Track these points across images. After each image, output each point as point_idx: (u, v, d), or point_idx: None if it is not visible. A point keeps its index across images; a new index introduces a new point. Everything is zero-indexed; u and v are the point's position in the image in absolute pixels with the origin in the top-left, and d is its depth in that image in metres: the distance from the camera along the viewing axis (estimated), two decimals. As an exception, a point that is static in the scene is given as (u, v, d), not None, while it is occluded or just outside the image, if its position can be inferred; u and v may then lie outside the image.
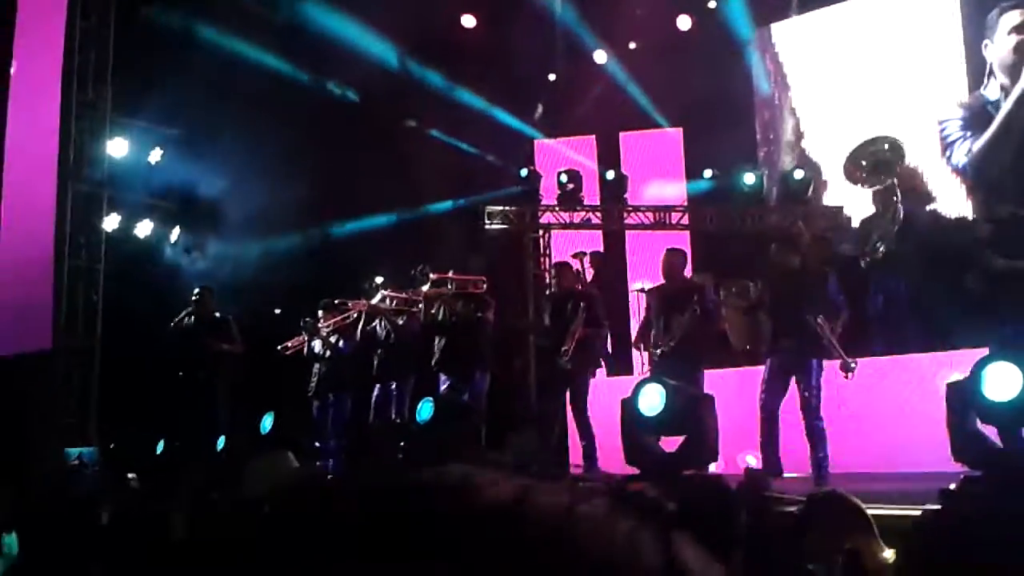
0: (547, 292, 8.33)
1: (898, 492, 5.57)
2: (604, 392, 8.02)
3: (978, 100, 9.85)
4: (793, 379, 6.62)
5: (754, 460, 7.00)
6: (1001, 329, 5.80)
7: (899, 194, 8.30)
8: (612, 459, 6.97)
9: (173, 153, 11.06)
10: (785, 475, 6.55)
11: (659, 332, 7.31)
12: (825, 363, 6.63)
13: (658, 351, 7.34)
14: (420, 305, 8.14)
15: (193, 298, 8.53)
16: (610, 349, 8.83)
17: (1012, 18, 9.56)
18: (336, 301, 8.85)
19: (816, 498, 4.05)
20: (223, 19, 11.15)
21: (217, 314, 8.61)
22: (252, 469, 3.63)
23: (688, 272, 8.88)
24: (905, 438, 6.98)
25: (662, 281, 7.67)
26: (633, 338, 8.30)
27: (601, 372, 9.08)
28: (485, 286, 8.19)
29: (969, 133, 9.77)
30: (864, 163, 8.81)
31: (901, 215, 8.09)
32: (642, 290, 9.52)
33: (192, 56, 10.42)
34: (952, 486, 4.26)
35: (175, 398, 8.45)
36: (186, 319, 8.52)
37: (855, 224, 9.41)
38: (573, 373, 7.60)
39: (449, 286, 8.13)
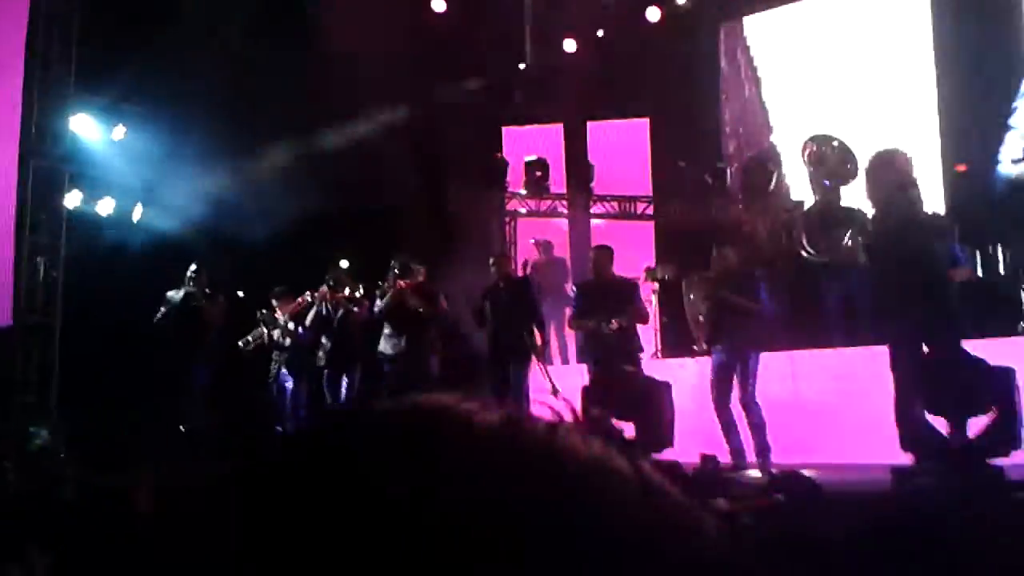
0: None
1: (852, 480, 5.73)
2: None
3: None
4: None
5: None
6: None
7: (867, 193, 8.43)
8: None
9: (137, 130, 10.94)
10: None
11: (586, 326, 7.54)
12: (763, 355, 6.85)
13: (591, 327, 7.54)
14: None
15: (189, 275, 8.46)
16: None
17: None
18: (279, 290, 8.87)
19: (781, 479, 4.16)
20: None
21: (208, 291, 8.58)
22: None
23: (652, 263, 9.02)
24: (860, 430, 7.14)
25: (591, 277, 7.84)
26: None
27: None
28: (422, 277, 8.17)
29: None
30: (829, 153, 8.95)
31: (871, 216, 8.19)
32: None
33: (158, 32, 10.31)
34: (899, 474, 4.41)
35: (145, 377, 8.39)
36: (179, 294, 8.44)
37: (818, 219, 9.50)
38: (510, 362, 7.64)
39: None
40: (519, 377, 7.56)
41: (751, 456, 6.76)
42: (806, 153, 9.14)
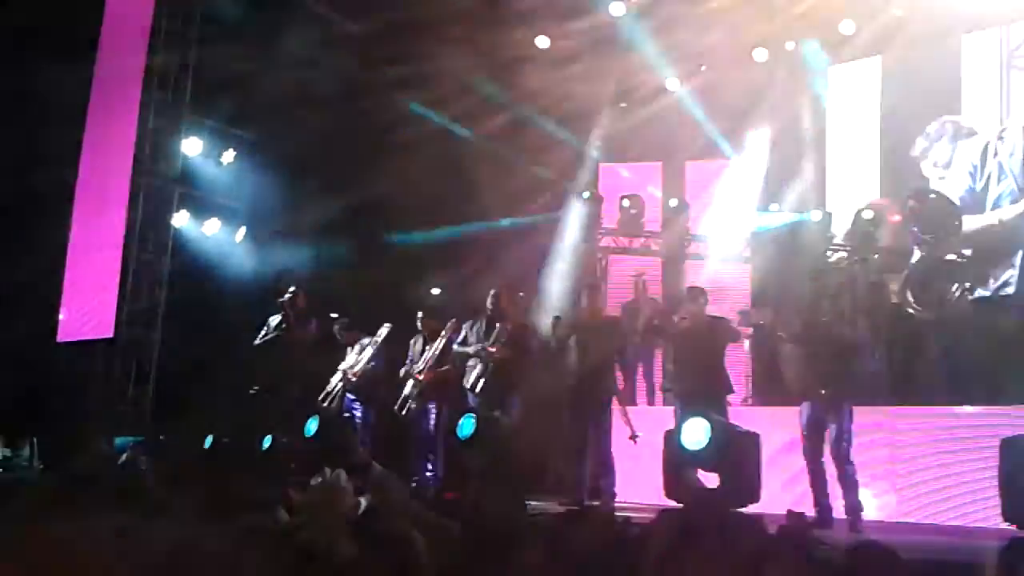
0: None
1: (941, 547, 5.43)
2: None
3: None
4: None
5: None
6: None
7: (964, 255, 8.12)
8: (643, 488, 6.88)
9: (245, 155, 11.26)
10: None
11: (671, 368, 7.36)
12: (856, 409, 6.53)
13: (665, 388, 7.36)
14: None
15: (284, 298, 8.52)
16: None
17: None
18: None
19: (859, 549, 3.95)
20: (303, 26, 11.35)
21: (301, 315, 8.63)
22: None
23: (748, 304, 8.79)
24: (956, 491, 6.79)
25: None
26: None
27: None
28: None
29: None
30: (931, 217, 8.64)
31: (969, 276, 7.87)
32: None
33: (270, 61, 10.62)
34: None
35: (236, 394, 8.52)
36: (279, 316, 8.53)
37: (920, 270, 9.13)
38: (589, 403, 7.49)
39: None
40: (600, 422, 7.41)
41: (839, 514, 6.47)
42: (908, 208, 8.83)
